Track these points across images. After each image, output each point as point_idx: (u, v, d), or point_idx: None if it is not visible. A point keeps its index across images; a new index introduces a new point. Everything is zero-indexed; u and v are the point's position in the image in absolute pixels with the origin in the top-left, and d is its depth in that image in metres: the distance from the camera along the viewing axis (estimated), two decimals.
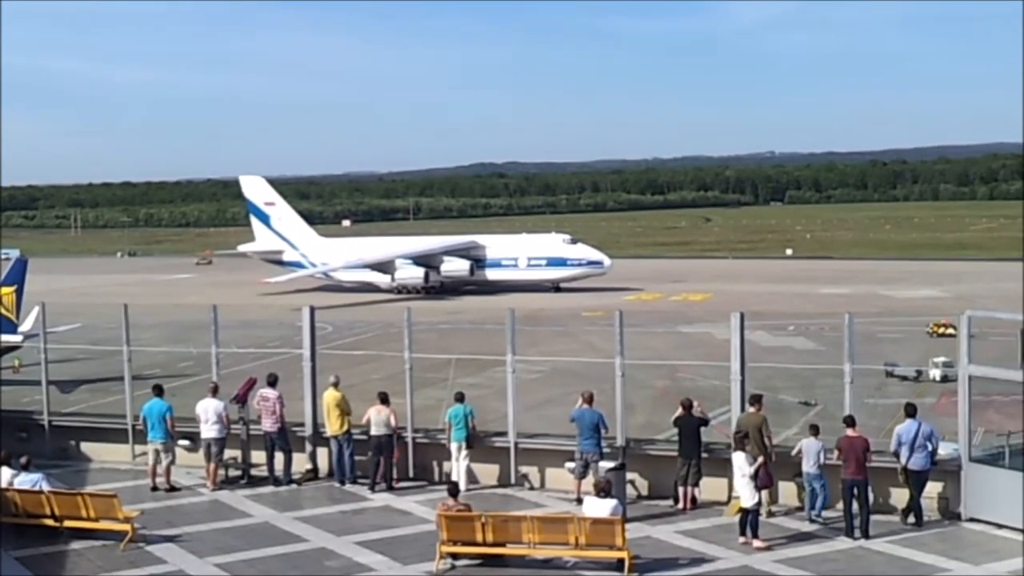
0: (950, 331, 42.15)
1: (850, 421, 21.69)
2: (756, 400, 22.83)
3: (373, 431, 24.88)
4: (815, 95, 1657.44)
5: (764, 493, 21.56)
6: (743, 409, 22.90)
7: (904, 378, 36.88)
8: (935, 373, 35.05)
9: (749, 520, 20.72)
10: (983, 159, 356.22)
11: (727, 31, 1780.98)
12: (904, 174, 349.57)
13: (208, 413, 25.28)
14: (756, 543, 20.49)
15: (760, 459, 21.18)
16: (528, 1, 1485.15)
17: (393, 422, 24.89)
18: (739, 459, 21.05)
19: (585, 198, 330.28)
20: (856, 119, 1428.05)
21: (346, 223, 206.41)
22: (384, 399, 25.06)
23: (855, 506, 21.21)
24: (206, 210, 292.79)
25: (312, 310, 26.79)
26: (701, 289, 76.99)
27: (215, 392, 25.69)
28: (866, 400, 29.29)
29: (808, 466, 21.95)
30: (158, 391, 25.83)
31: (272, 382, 25.70)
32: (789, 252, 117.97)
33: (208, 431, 25.27)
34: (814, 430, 22.56)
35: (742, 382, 23.22)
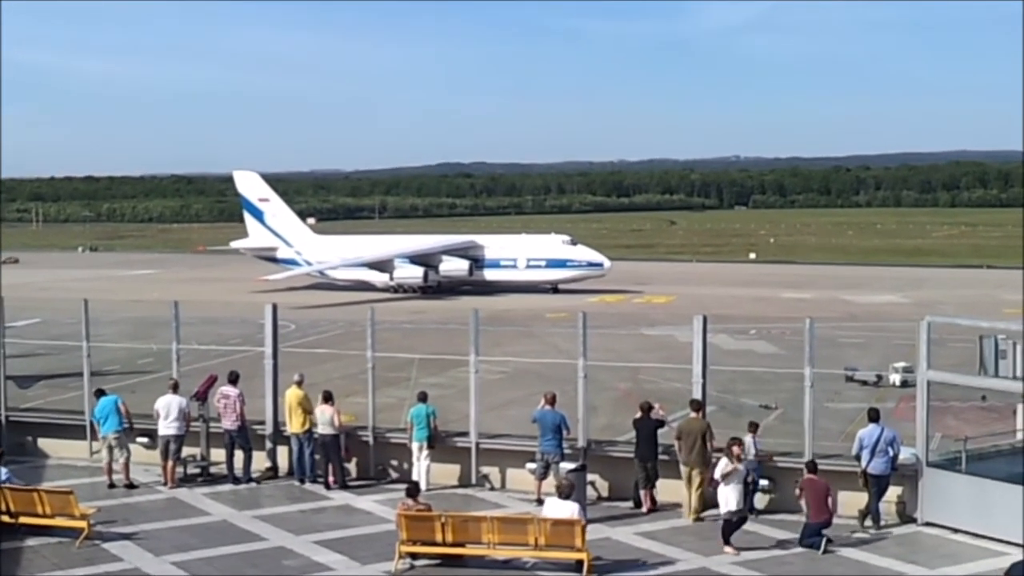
0: None
1: (811, 466, 21.37)
2: (699, 406, 22.90)
3: (319, 430, 24.85)
4: (781, 100, 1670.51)
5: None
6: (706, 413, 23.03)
7: (864, 383, 37.05)
8: (895, 378, 35.29)
9: (724, 526, 20.71)
10: (945, 166, 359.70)
11: (694, 35, 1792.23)
12: (867, 180, 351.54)
13: (170, 409, 25.09)
14: (728, 549, 20.50)
15: (733, 465, 20.72)
16: (496, 2, 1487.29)
17: (336, 421, 24.80)
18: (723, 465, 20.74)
19: (551, 199, 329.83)
20: (821, 125, 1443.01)
21: (311, 221, 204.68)
22: (328, 398, 24.97)
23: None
24: (170, 206, 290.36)
25: (275, 308, 26.67)
26: (664, 292, 77.13)
27: (176, 389, 25.52)
28: (826, 404, 29.48)
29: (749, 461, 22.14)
30: (101, 393, 25.65)
31: (233, 380, 25.55)
32: (752, 256, 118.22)
33: (168, 428, 25.08)
34: (752, 427, 23.03)
35: (704, 385, 23.36)
